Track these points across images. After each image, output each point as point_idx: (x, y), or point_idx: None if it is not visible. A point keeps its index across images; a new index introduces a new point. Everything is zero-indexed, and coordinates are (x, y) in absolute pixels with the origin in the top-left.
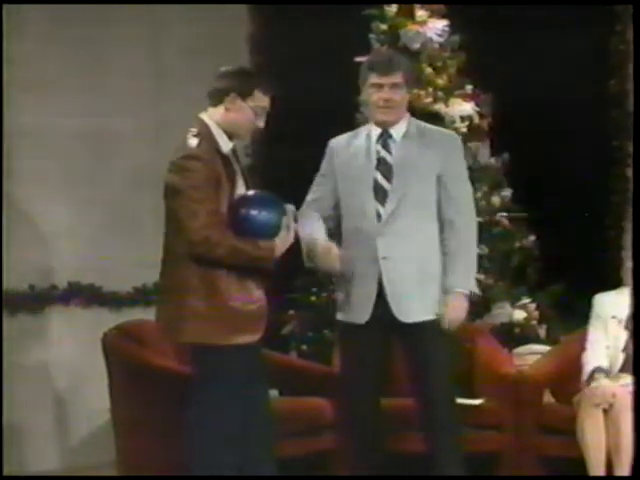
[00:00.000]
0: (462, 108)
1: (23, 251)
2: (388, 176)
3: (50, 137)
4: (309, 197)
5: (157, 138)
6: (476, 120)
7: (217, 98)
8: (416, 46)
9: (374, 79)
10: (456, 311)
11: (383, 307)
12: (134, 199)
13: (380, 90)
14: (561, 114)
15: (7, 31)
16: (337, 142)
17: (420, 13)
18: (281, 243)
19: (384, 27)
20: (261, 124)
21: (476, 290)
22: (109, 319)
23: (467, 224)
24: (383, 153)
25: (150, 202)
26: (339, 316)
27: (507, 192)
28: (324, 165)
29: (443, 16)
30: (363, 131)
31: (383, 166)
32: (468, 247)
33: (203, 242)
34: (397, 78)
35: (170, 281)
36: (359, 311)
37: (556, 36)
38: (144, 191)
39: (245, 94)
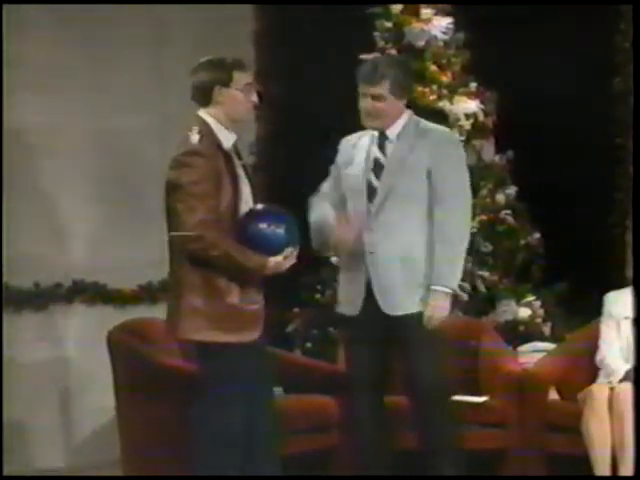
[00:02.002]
0: (466, 106)
1: (27, 249)
2: (378, 175)
3: (53, 136)
4: (321, 188)
5: (161, 136)
6: (480, 118)
7: (204, 97)
8: (420, 44)
9: (360, 87)
10: (435, 309)
11: (372, 301)
12: (138, 197)
13: (364, 99)
14: (565, 112)
15: (7, 31)
16: (346, 141)
17: (425, 11)
18: (274, 264)
19: (388, 25)
20: (254, 99)
21: (457, 289)
22: (113, 317)
23: (454, 222)
24: (378, 154)
25: (154, 200)
26: (337, 309)
27: (511, 190)
28: (335, 162)
29: (448, 14)
30: (370, 131)
31: (376, 167)
32: (454, 245)
33: (197, 240)
34: (379, 89)
35: (172, 278)
36: (351, 303)
37: (560, 34)
38: (148, 189)
39: (227, 81)
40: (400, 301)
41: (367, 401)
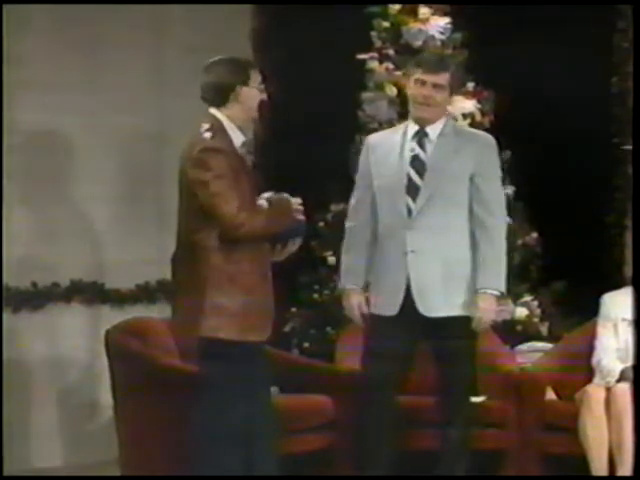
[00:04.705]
0: (464, 105)
1: (25, 248)
2: (421, 172)
3: (51, 135)
4: (352, 201)
5: (159, 135)
6: (478, 117)
7: (220, 96)
8: (418, 43)
9: (419, 75)
10: (486, 312)
11: (409, 301)
12: (136, 196)
13: (422, 87)
14: (563, 111)
15: (7, 31)
16: (374, 138)
17: (422, 11)
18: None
19: (386, 24)
20: (264, 96)
21: (504, 291)
22: (111, 316)
23: (498, 225)
24: (418, 150)
25: (152, 199)
26: (372, 310)
27: (509, 190)
28: (360, 163)
29: (445, 13)
30: (400, 128)
31: (417, 163)
32: (499, 248)
33: (245, 222)
34: (442, 79)
35: (189, 277)
36: (389, 304)
37: (558, 33)
38: (146, 188)
39: (246, 80)
40: (438, 303)
41: (385, 401)
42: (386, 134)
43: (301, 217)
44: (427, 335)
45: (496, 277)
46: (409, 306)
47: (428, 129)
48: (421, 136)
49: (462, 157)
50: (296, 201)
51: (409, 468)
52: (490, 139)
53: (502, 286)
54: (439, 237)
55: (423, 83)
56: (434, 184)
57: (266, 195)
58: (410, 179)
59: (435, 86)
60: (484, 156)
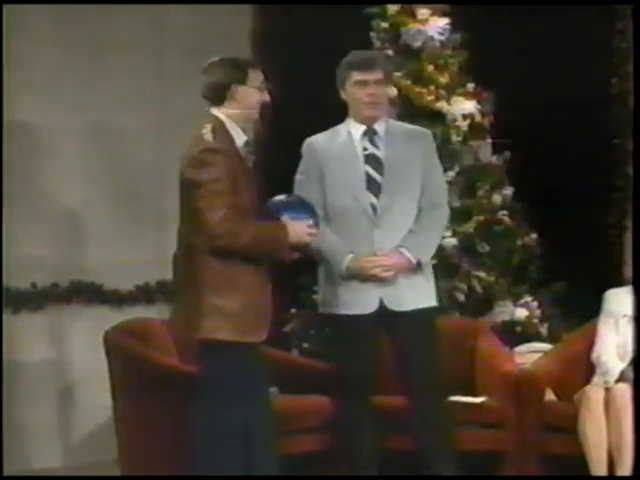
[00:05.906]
0: (464, 106)
1: (25, 249)
2: (379, 170)
3: (51, 136)
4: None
5: (159, 136)
6: (478, 118)
7: (218, 96)
8: (417, 44)
9: (358, 76)
10: (387, 267)
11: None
12: (135, 197)
13: (365, 86)
14: (563, 112)
15: (7, 31)
16: (316, 141)
17: (422, 11)
18: (292, 228)
19: (385, 25)
20: (267, 98)
21: (420, 262)
22: (110, 317)
23: (442, 214)
24: (371, 149)
25: (152, 200)
26: (344, 311)
27: (508, 190)
28: (306, 165)
29: (444, 14)
30: (342, 129)
31: (373, 161)
32: (437, 230)
33: (225, 234)
34: (380, 75)
35: (187, 277)
36: (365, 301)
37: (557, 34)
38: (146, 189)
39: (243, 79)
40: (406, 297)
41: (362, 401)
42: (327, 136)
43: (311, 238)
44: (394, 330)
45: (423, 247)
46: (380, 303)
47: (376, 127)
48: (371, 135)
49: (413, 152)
50: (308, 223)
51: (398, 469)
52: (429, 132)
53: (420, 257)
54: (402, 232)
55: (365, 83)
56: (394, 181)
57: (281, 197)
58: (369, 176)
59: (376, 82)
60: (430, 150)
